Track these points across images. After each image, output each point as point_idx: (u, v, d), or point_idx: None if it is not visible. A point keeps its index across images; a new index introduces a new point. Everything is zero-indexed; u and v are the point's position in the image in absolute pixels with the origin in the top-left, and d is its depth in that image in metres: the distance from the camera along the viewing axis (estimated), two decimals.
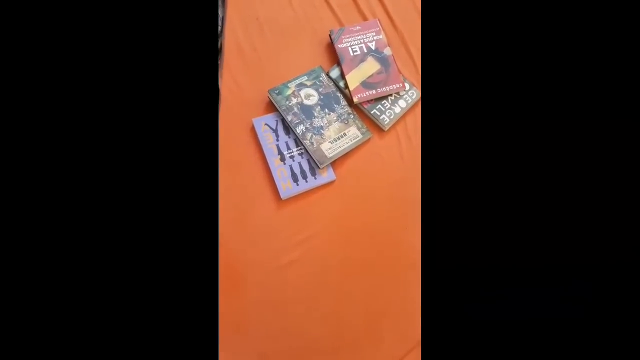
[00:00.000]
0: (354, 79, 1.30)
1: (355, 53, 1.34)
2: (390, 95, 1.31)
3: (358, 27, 1.36)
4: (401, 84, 1.31)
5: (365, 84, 1.31)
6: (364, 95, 1.29)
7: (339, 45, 1.34)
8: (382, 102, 1.30)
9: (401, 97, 1.32)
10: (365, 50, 1.34)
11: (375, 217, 1.20)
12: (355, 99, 1.28)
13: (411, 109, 1.31)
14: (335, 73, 1.34)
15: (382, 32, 1.37)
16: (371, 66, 1.33)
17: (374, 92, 1.30)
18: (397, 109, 1.30)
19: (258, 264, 1.13)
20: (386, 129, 1.29)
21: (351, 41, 1.35)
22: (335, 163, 1.23)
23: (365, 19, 1.42)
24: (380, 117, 1.29)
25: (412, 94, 1.32)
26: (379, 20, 1.39)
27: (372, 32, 1.36)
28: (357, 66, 1.32)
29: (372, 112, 1.30)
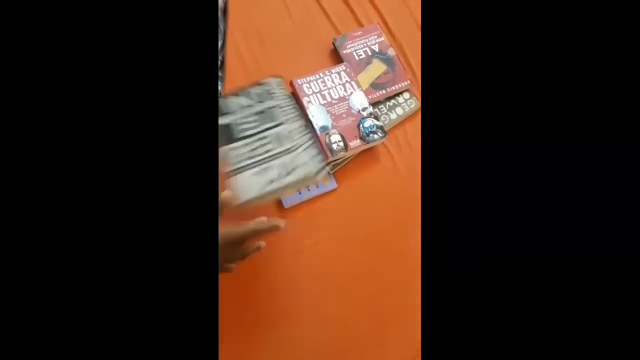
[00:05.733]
0: (363, 82, 1.33)
1: (360, 57, 1.37)
2: (398, 94, 1.35)
3: (359, 32, 1.40)
4: (409, 81, 1.36)
5: (375, 85, 1.34)
6: (375, 95, 1.33)
7: (344, 52, 1.37)
8: (379, 107, 1.33)
9: (399, 104, 1.35)
10: (370, 53, 1.38)
11: (378, 224, 1.22)
12: None
13: (411, 117, 1.34)
14: None
15: (383, 34, 1.42)
16: (378, 67, 1.37)
17: (384, 92, 1.34)
18: (393, 116, 1.33)
19: (261, 271, 1.13)
20: None
21: (355, 46, 1.38)
22: (336, 171, 1.25)
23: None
24: None
25: (410, 103, 1.35)
26: (378, 24, 1.44)
27: (373, 35, 1.40)
28: (364, 69, 1.36)
29: None
